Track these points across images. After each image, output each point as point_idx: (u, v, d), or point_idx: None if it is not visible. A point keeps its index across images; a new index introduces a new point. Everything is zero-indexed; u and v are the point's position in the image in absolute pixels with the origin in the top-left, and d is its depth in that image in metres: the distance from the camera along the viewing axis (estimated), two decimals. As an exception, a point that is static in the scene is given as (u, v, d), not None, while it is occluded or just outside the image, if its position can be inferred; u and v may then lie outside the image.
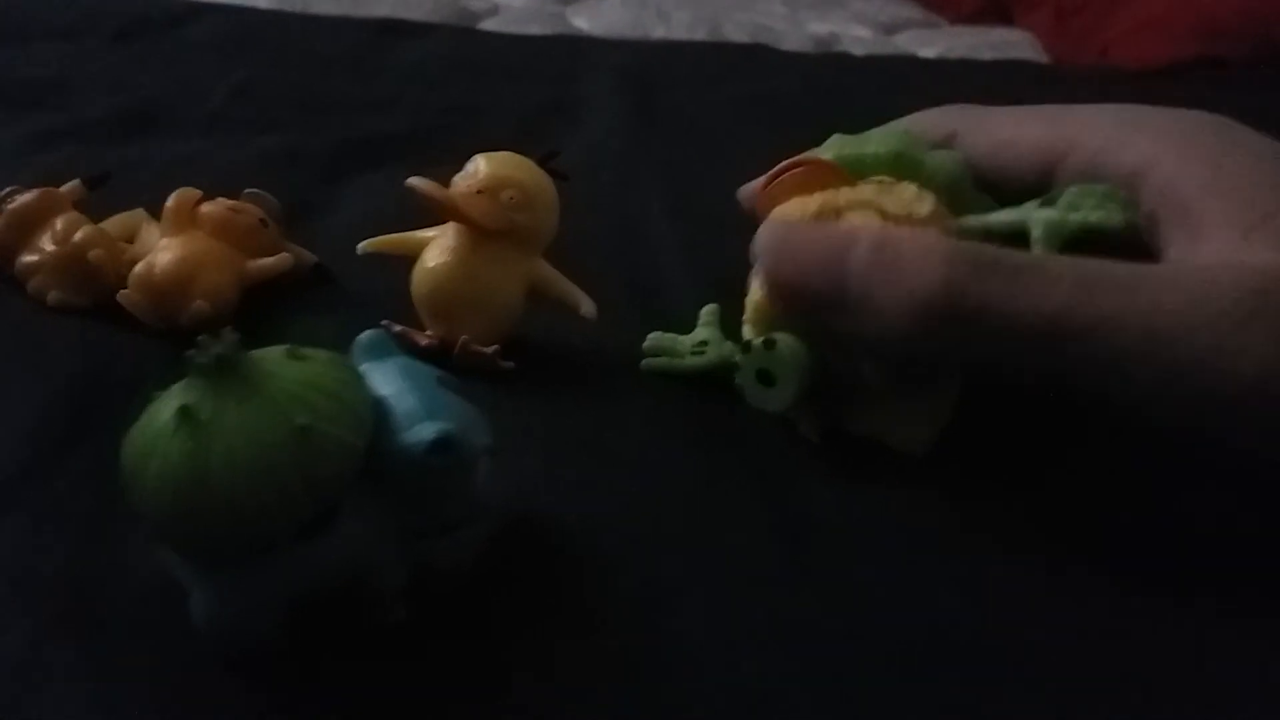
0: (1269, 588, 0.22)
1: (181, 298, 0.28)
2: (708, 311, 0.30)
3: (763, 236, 0.25)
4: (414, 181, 0.28)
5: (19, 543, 0.22)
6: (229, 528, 0.18)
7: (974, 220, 0.26)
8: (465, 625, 0.21)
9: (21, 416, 0.25)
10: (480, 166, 0.28)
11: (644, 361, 0.29)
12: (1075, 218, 0.24)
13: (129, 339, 0.29)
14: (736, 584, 0.23)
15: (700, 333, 0.29)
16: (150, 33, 0.57)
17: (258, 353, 0.19)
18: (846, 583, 0.23)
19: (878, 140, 0.27)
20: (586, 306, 0.29)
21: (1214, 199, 0.23)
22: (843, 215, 0.26)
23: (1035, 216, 0.25)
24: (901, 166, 0.27)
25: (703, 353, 0.29)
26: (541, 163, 0.29)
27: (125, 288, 0.29)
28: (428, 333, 0.29)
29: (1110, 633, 0.22)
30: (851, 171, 0.27)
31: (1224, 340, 0.20)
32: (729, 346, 0.28)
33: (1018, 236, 0.25)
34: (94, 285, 0.30)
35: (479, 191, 0.28)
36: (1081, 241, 0.24)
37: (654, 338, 0.30)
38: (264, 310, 0.30)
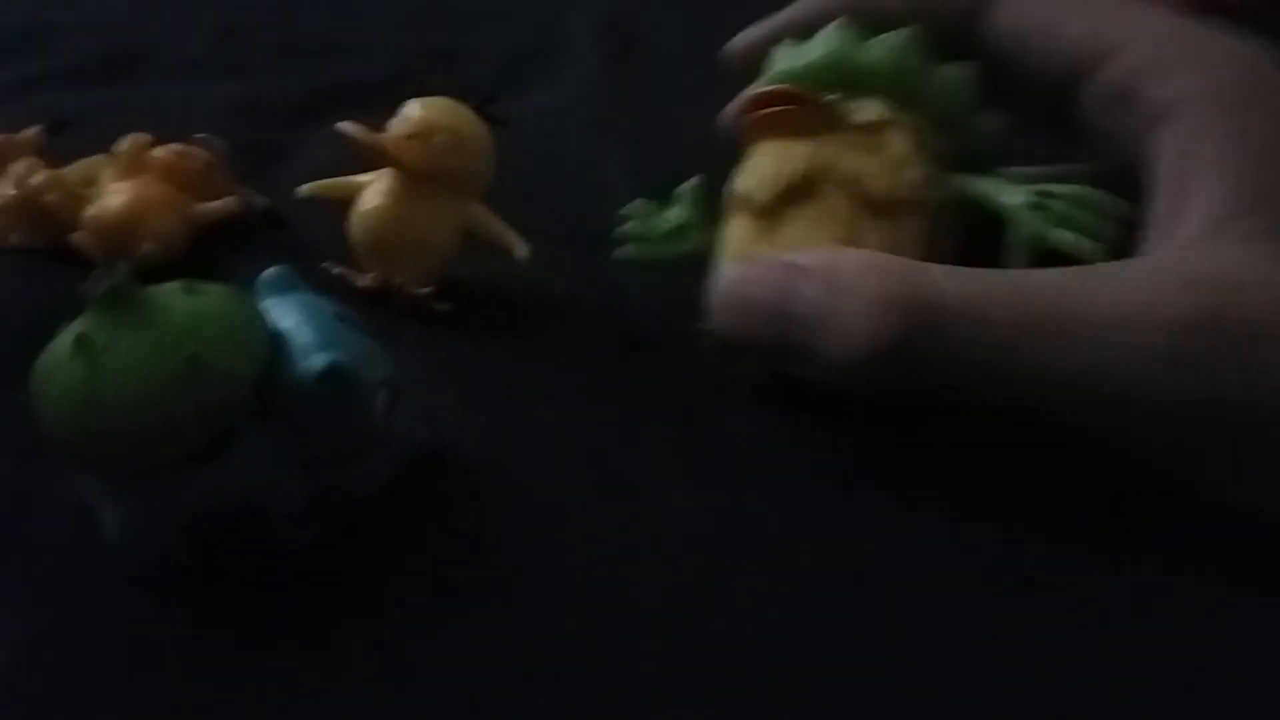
0: (1171, 538, 0.23)
1: (131, 239, 0.30)
2: (689, 188, 0.28)
3: (714, 289, 0.25)
4: (344, 126, 0.28)
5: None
6: (121, 450, 0.19)
7: (960, 185, 0.25)
8: (364, 548, 0.22)
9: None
10: (412, 111, 0.29)
11: (616, 250, 0.28)
12: (1056, 236, 0.24)
13: (81, 278, 0.30)
14: (634, 509, 0.24)
15: (679, 213, 0.28)
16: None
17: (154, 287, 0.20)
18: (747, 511, 0.24)
19: (879, 48, 0.26)
20: (520, 249, 0.30)
21: (1215, 171, 0.22)
22: (821, 190, 0.25)
23: (1020, 215, 0.24)
24: (900, 84, 0.25)
25: (680, 236, 0.28)
26: (477, 108, 0.30)
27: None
28: (368, 275, 0.30)
29: (1013, 576, 0.22)
30: (845, 81, 0.26)
31: (1148, 386, 0.20)
32: (708, 234, 0.27)
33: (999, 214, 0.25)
34: (51, 228, 0.31)
35: (410, 136, 0.29)
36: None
37: (633, 210, 0.28)
38: (214, 252, 0.32)
